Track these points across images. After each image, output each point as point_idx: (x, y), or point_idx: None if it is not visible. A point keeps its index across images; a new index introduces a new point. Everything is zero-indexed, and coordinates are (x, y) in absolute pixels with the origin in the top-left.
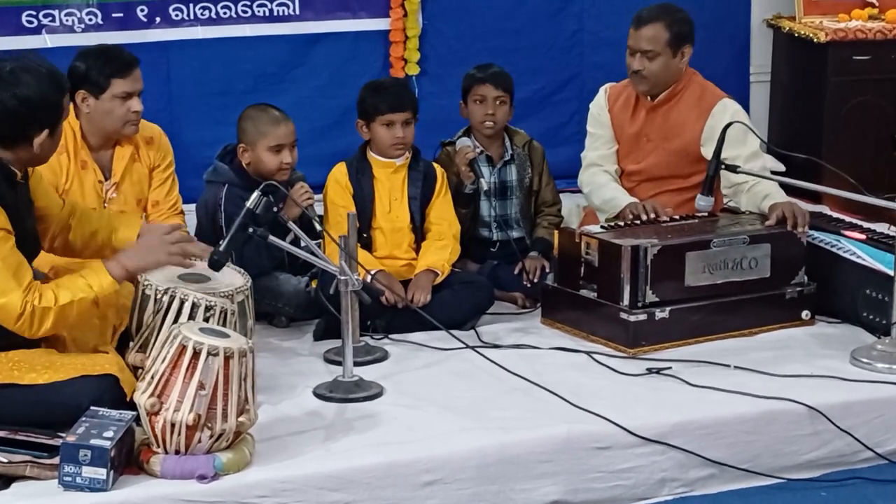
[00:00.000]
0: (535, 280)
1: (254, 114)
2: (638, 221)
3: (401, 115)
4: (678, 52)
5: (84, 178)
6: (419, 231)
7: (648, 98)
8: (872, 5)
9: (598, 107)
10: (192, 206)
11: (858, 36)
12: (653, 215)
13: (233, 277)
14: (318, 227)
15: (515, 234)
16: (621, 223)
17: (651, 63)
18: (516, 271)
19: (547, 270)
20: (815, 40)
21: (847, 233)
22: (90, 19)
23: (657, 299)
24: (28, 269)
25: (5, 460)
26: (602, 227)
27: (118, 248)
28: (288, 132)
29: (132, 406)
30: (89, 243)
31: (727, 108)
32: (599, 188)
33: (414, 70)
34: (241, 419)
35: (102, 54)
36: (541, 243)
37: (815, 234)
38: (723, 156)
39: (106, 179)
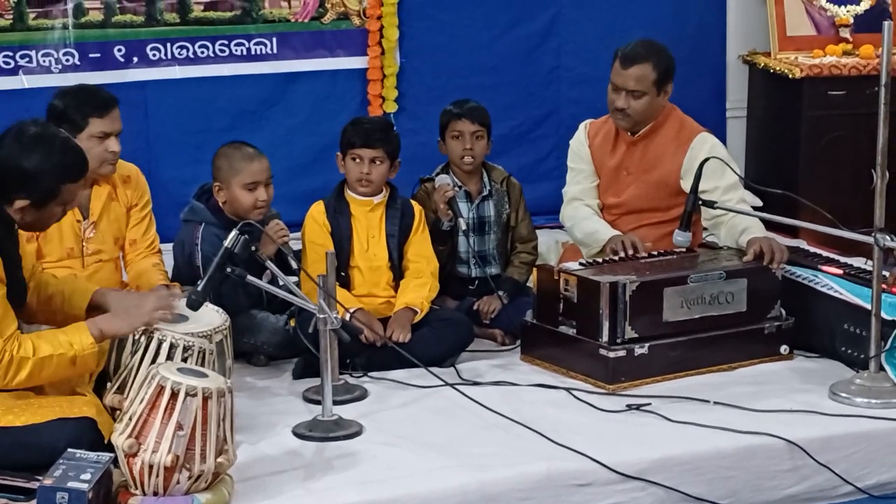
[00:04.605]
0: (487, 322)
1: (228, 151)
2: (616, 258)
3: (369, 152)
4: (661, 91)
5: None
6: (397, 269)
7: (628, 132)
8: (847, 41)
9: (578, 142)
10: (170, 245)
11: (833, 72)
12: (630, 251)
13: (211, 317)
14: (294, 264)
15: (493, 270)
16: (600, 259)
17: (636, 102)
18: (474, 307)
19: (498, 310)
20: (791, 76)
21: (824, 268)
22: (67, 60)
23: (636, 335)
24: (14, 321)
25: None
26: (581, 263)
27: (70, 313)
28: (262, 169)
29: (110, 448)
30: (45, 307)
31: (706, 142)
32: (581, 221)
33: (392, 107)
34: (219, 460)
35: (81, 93)
36: (508, 283)
37: (793, 269)
38: (702, 187)
39: (84, 219)
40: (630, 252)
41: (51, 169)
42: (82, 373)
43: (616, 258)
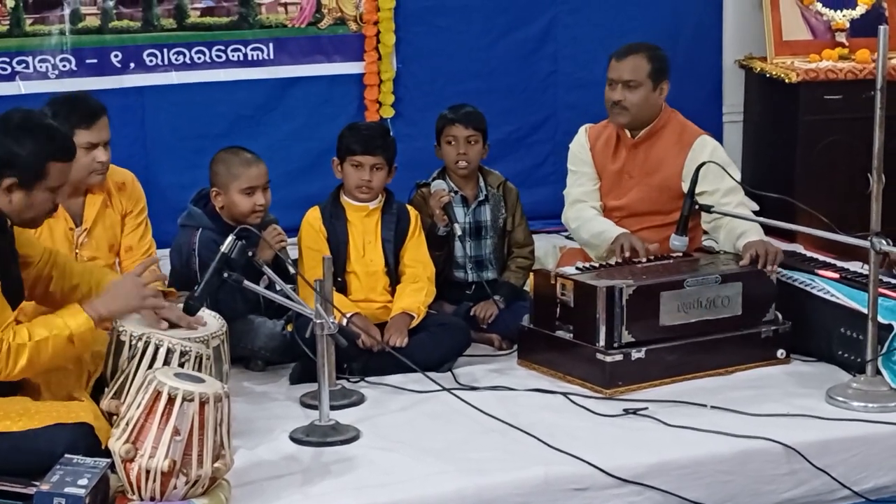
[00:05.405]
0: (485, 326)
1: (225, 157)
2: (612, 262)
3: (370, 159)
4: (658, 87)
5: (54, 225)
6: (394, 274)
7: (629, 135)
8: (843, 45)
9: (579, 145)
10: (168, 251)
11: (829, 76)
12: (628, 254)
13: (208, 322)
14: (291, 269)
15: (490, 275)
16: (597, 264)
17: (632, 94)
18: (472, 313)
19: (495, 315)
20: (787, 80)
21: (821, 272)
22: (64, 66)
23: (633, 339)
24: (10, 313)
25: None
26: (577, 268)
27: None
28: (260, 174)
29: (107, 453)
30: (70, 296)
31: (706, 145)
32: (587, 222)
33: (389, 113)
34: (216, 465)
35: (68, 103)
36: (505, 287)
37: (790, 273)
38: (703, 189)
39: (77, 226)
40: (627, 255)
41: (37, 145)
42: (83, 352)
43: (613, 262)
